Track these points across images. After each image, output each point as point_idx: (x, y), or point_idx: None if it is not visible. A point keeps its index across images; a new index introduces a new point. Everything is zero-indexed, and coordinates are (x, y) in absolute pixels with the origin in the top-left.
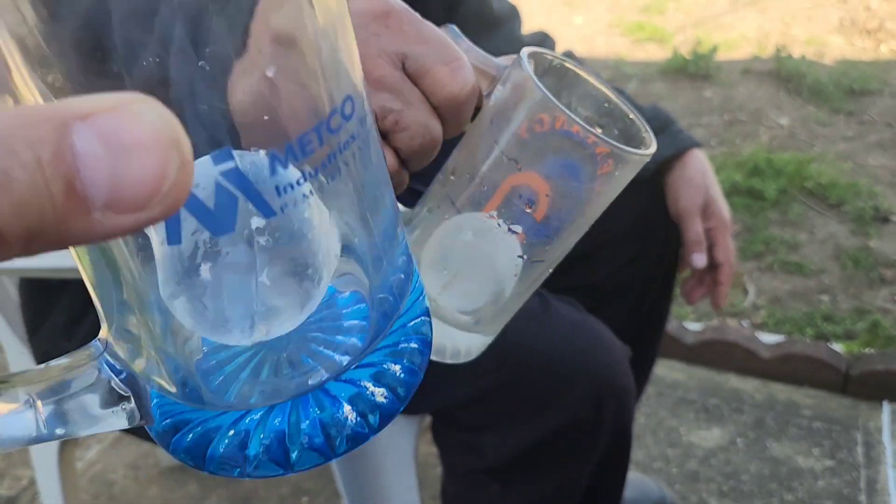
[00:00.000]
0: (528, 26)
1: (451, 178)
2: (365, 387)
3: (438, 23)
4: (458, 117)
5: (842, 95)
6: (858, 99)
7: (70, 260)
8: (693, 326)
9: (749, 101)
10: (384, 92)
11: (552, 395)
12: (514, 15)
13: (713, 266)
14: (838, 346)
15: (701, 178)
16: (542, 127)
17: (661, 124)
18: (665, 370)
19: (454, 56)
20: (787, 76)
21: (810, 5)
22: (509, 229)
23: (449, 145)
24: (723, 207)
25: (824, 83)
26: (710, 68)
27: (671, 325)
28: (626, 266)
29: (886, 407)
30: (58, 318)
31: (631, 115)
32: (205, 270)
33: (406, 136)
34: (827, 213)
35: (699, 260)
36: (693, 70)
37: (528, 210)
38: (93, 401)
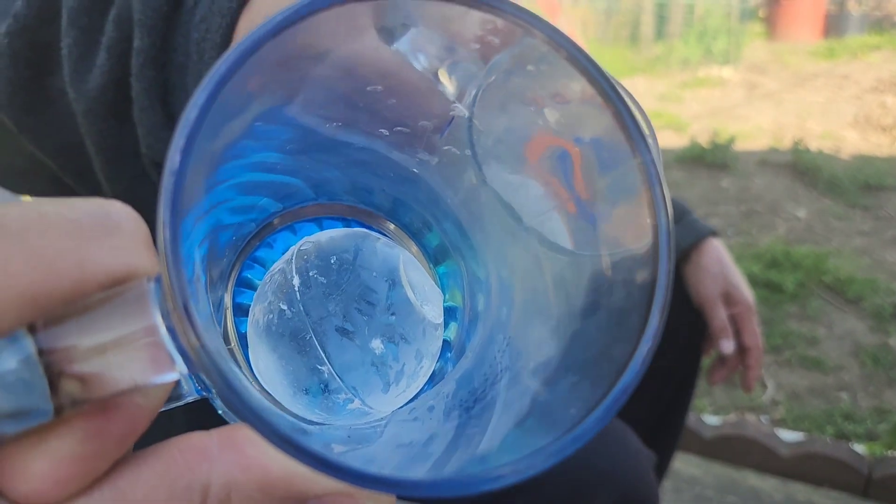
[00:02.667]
0: None
1: None
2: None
3: None
4: None
5: (858, 190)
6: (874, 194)
7: None
8: (711, 420)
9: (766, 193)
10: None
11: None
12: None
13: (741, 350)
14: (860, 447)
15: (718, 266)
16: None
17: (677, 215)
18: (682, 464)
19: None
20: (803, 169)
21: (825, 100)
22: None
23: None
24: (745, 292)
25: (840, 177)
26: (728, 158)
27: (689, 418)
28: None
29: None
30: None
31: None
32: None
33: None
34: (845, 308)
35: (727, 346)
36: (710, 159)
37: None
38: None
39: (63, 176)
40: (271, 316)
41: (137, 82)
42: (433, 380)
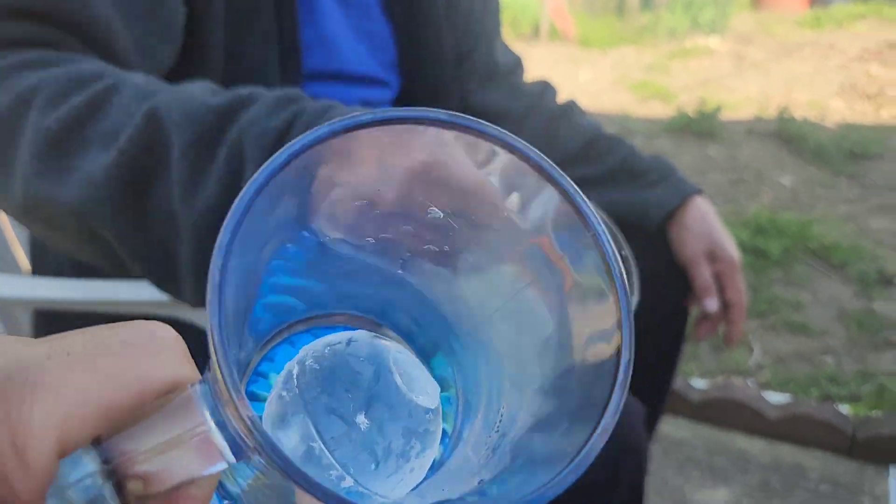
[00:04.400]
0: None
1: None
2: None
3: (450, 79)
4: None
5: (843, 158)
6: (859, 162)
7: (96, 292)
8: (699, 384)
9: (752, 161)
10: None
11: None
12: (517, 66)
13: (725, 306)
14: (844, 409)
15: (701, 224)
16: None
17: (663, 174)
18: (671, 428)
19: None
20: (789, 137)
21: (812, 70)
22: None
23: None
24: (728, 249)
25: (826, 146)
26: (715, 127)
27: (677, 382)
28: (636, 319)
29: (893, 471)
30: None
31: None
32: None
33: None
34: (830, 274)
35: (710, 304)
36: (697, 128)
37: None
38: None
39: (135, 272)
40: (276, 407)
41: None
42: (433, 469)
